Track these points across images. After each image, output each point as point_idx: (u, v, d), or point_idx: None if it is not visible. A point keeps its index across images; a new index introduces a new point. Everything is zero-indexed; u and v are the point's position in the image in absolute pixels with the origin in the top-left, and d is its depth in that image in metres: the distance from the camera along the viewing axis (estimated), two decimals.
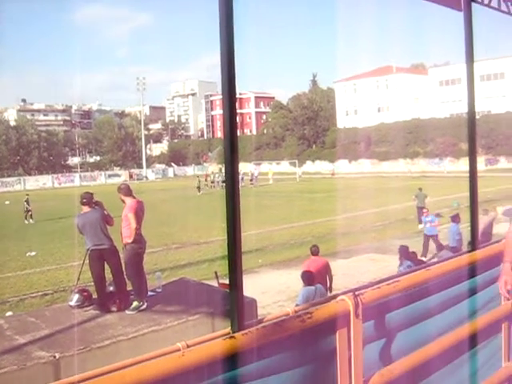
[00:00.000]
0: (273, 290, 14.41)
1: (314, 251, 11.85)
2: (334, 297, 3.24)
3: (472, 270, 4.11)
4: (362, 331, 3.04)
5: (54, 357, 6.33)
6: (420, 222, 26.22)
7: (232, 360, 2.53)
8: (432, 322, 3.65)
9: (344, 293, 3.27)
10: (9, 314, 11.91)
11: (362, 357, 3.04)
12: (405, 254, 12.08)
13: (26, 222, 33.17)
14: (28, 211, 33.80)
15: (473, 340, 3.98)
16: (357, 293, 3.06)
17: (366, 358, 3.11)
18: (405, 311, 3.46)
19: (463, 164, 54.27)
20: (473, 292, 4.12)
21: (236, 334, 2.64)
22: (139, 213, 8.50)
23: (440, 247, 14.21)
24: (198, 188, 49.69)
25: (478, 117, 51.25)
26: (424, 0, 5.65)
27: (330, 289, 11.65)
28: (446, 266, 4.06)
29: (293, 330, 2.81)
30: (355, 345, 3.00)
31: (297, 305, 8.52)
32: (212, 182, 55.09)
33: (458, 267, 4.03)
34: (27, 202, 33.91)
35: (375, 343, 3.35)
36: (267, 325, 2.80)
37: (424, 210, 19.65)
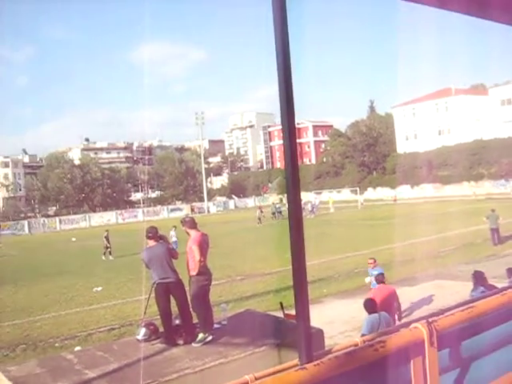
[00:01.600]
0: (338, 321, 14.21)
1: (379, 279, 11.67)
2: (406, 325, 3.15)
3: None
4: (437, 360, 2.94)
5: None
6: (496, 242, 25.60)
7: None
8: (509, 350, 3.50)
9: (415, 321, 3.18)
10: (77, 348, 12.11)
11: None
12: (479, 279, 11.68)
13: (104, 258, 32.74)
14: (107, 248, 33.23)
15: None
16: (430, 320, 2.97)
17: None
18: (480, 338, 3.33)
19: None
20: None
21: (307, 365, 2.59)
22: (204, 245, 8.54)
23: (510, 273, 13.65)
24: (259, 219, 49.72)
25: None
26: (485, 19, 5.57)
27: (400, 317, 11.41)
28: None
29: (365, 360, 2.74)
30: (431, 374, 2.90)
31: (362, 334, 8.35)
32: (273, 214, 54.71)
33: None
34: (107, 238, 33.36)
35: (451, 372, 3.23)
36: (339, 355, 2.74)
37: (370, 261, 15.40)
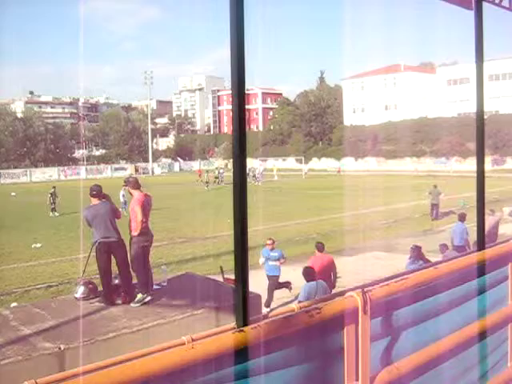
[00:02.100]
0: None
1: (319, 248, 11.88)
2: (342, 293, 3.24)
3: (479, 270, 4.11)
4: (369, 328, 3.05)
5: (59, 348, 6.35)
6: (434, 217, 26.38)
7: (241, 354, 2.54)
8: (439, 321, 3.65)
9: (350, 290, 3.27)
10: (13, 304, 11.95)
11: (369, 353, 3.04)
12: (417, 253, 12.03)
13: (51, 214, 32.11)
14: (52, 204, 32.59)
15: (479, 339, 3.98)
16: (365, 289, 3.06)
17: (373, 355, 3.12)
18: (412, 309, 3.46)
19: (470, 164, 54.19)
20: (480, 292, 4.12)
21: (245, 328, 2.65)
22: (146, 206, 8.51)
23: (444, 248, 14.10)
24: (207, 183, 49.79)
25: (485, 117, 51.00)
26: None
27: (334, 285, 11.65)
28: (453, 264, 4.06)
29: (301, 325, 2.82)
30: (363, 341, 3.01)
31: (299, 301, 8.52)
32: (216, 178, 54.90)
33: (466, 266, 4.03)
34: (53, 194, 32.80)
35: (382, 340, 3.35)
36: (276, 319, 2.81)
37: (268, 242, 13.82)
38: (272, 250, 13.59)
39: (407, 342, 3.45)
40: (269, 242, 13.81)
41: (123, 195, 25.26)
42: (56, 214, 32.05)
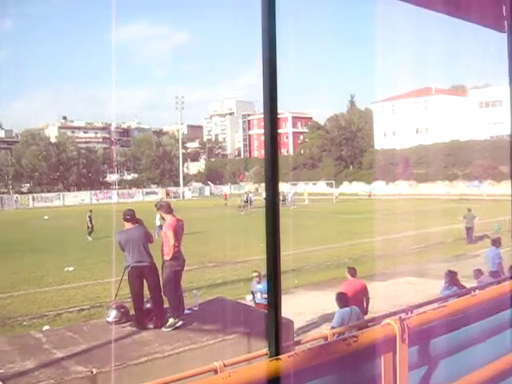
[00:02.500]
0: (308, 312, 14.30)
1: (352, 273, 11.75)
2: (376, 320, 3.18)
3: None
4: (407, 356, 2.99)
5: (91, 372, 6.37)
6: (469, 241, 26.05)
7: (278, 382, 2.50)
8: (477, 350, 3.56)
9: (383, 316, 3.22)
10: (46, 327, 12.04)
11: (407, 382, 2.98)
12: (452, 279, 11.81)
13: (89, 238, 31.45)
14: (89, 228, 32.05)
15: None
16: (403, 317, 3.01)
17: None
18: (450, 337, 3.38)
19: (503, 187, 53.42)
20: None
21: (282, 356, 2.61)
22: (178, 230, 8.54)
23: (478, 273, 13.80)
24: (240, 207, 50.54)
25: None
26: (467, 21, 5.63)
27: (366, 311, 11.50)
28: (492, 291, 3.97)
29: (338, 353, 2.77)
30: (401, 370, 2.95)
31: (332, 327, 8.43)
32: (245, 202, 54.93)
33: (505, 293, 3.93)
34: (90, 218, 32.27)
35: (419, 370, 3.28)
36: (312, 347, 2.77)
37: (254, 274, 12.38)
38: (259, 283, 12.05)
39: (444, 372, 3.37)
40: (255, 274, 12.43)
41: (159, 219, 25.18)
42: (89, 238, 31.52)
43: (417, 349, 3.21)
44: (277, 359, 2.58)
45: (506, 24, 5.17)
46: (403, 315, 3.06)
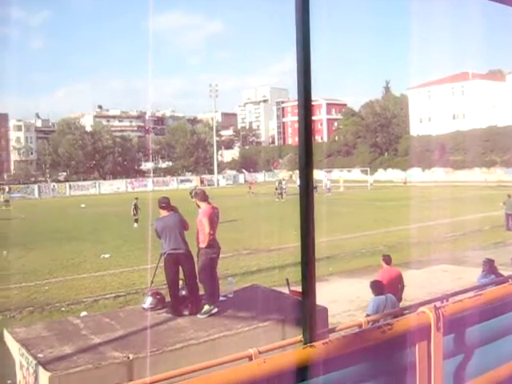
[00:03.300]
0: (343, 299, 14.26)
1: (387, 260, 11.66)
2: (411, 308, 3.16)
3: None
4: (442, 345, 2.96)
5: (128, 358, 6.46)
6: (509, 228, 25.66)
7: (312, 369, 2.51)
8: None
9: (419, 304, 3.19)
10: (83, 313, 12.24)
11: (442, 371, 2.96)
12: (490, 267, 11.67)
13: (135, 225, 30.85)
14: (135, 215, 31.66)
15: None
16: (438, 305, 2.98)
17: (446, 373, 3.03)
18: (486, 326, 3.34)
19: None
20: None
21: (316, 343, 2.62)
22: (214, 218, 8.60)
23: None
24: (281, 194, 50.14)
25: None
26: (503, 4, 5.50)
27: (400, 299, 11.43)
28: None
29: (372, 341, 2.76)
30: (436, 358, 2.93)
31: (367, 315, 8.40)
32: (276, 189, 54.60)
33: None
34: (136, 206, 31.89)
35: (455, 358, 3.25)
36: (347, 335, 2.77)
37: None
38: None
39: (480, 361, 3.33)
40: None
41: None
42: (135, 225, 31.05)
43: (452, 337, 3.18)
44: (311, 346, 2.59)
45: None
46: (438, 303, 3.03)
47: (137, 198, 32.74)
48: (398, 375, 2.97)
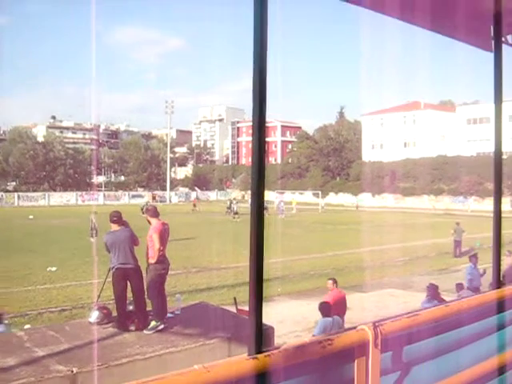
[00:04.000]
0: (290, 320, 14.35)
1: (333, 283, 11.82)
2: (354, 327, 3.27)
3: (493, 309, 4.12)
4: (379, 361, 3.07)
5: (72, 371, 6.40)
6: (458, 255, 26.26)
7: (253, 380, 2.58)
8: (449, 358, 3.66)
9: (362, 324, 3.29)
10: (27, 326, 12.01)
11: None
12: (432, 292, 11.95)
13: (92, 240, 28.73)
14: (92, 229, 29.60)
15: (488, 380, 3.97)
16: (377, 323, 3.10)
17: None
18: (422, 345, 3.47)
19: (488, 204, 53.78)
20: (490, 331, 4.12)
21: (259, 355, 2.69)
22: (164, 234, 8.61)
23: (459, 288, 14.04)
24: (235, 214, 49.71)
25: (505, 156, 50.82)
26: (455, 40, 5.76)
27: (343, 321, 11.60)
28: (465, 303, 4.08)
29: (313, 355, 2.85)
30: (373, 374, 3.03)
31: (313, 335, 8.52)
32: (228, 208, 55.28)
33: (477, 305, 4.04)
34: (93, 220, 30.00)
35: (392, 375, 3.36)
36: (289, 348, 2.85)
37: None
38: None
39: (417, 378, 3.46)
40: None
41: None
42: (92, 240, 28.85)
43: (390, 355, 3.30)
44: (254, 358, 2.66)
45: (492, 44, 5.29)
46: (377, 322, 3.15)
47: (96, 212, 32.02)
48: None
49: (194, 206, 62.87)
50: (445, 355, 3.66)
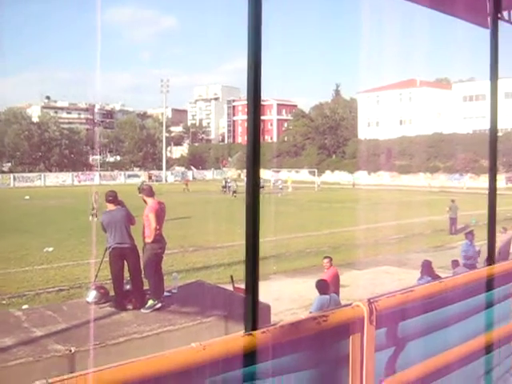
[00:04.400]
0: (286, 298, 14.42)
1: (329, 261, 11.87)
2: (350, 304, 3.29)
3: (485, 285, 4.15)
4: (374, 337, 3.10)
5: (70, 351, 6.44)
6: (453, 232, 26.37)
7: (249, 357, 2.60)
8: (443, 334, 3.69)
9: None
10: (25, 306, 12.06)
11: (373, 362, 3.10)
12: (427, 268, 12.01)
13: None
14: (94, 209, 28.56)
15: (483, 354, 4.01)
16: (371, 300, 3.12)
17: (378, 364, 3.17)
18: (417, 321, 3.51)
19: (483, 181, 53.90)
20: (484, 307, 4.15)
21: (254, 332, 2.72)
22: (160, 213, 8.61)
23: (455, 264, 14.12)
24: (234, 192, 49.53)
25: (500, 134, 50.97)
26: (452, 17, 5.73)
27: None
28: (459, 279, 4.11)
29: (309, 332, 2.88)
30: (368, 350, 3.07)
31: (310, 313, 8.56)
32: (223, 187, 55.49)
33: (471, 281, 4.08)
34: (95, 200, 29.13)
35: (387, 350, 3.40)
36: (284, 325, 2.87)
37: None
38: None
39: (412, 353, 3.50)
40: None
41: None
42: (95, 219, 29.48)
43: (385, 331, 3.33)
44: (250, 334, 2.68)
45: (488, 20, 5.27)
46: (372, 299, 3.17)
47: (97, 192, 31.75)
48: (333, 365, 3.10)
49: (186, 185, 61.53)
50: (439, 331, 3.69)
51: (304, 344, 2.88)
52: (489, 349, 4.06)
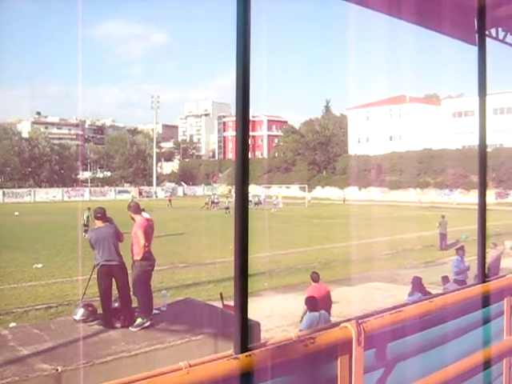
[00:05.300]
0: (277, 315, 14.35)
1: (314, 278, 11.75)
2: (338, 324, 3.24)
3: (477, 303, 4.12)
4: (363, 359, 3.06)
5: (57, 370, 6.34)
6: (443, 247, 26.39)
7: (235, 381, 2.55)
8: (433, 354, 3.65)
9: (345, 321, 3.28)
10: (12, 324, 11.91)
11: None
12: (417, 285, 12.00)
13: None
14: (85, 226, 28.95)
15: (473, 374, 3.97)
16: (360, 321, 3.08)
17: None
18: (406, 341, 3.46)
19: (473, 196, 54.12)
20: (475, 326, 4.12)
21: (240, 356, 2.67)
22: (148, 230, 8.55)
23: (445, 280, 14.11)
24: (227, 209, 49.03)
25: (489, 150, 51.36)
26: (440, 34, 5.75)
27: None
28: (449, 298, 4.07)
29: (295, 354, 2.83)
30: (356, 372, 3.02)
31: (300, 330, 8.49)
32: (212, 203, 55.89)
33: (461, 300, 4.04)
34: (88, 217, 29.16)
35: (376, 372, 3.35)
36: (270, 348, 2.82)
37: None
38: None
39: (401, 374, 3.45)
40: None
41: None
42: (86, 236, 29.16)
43: (374, 352, 3.28)
44: (234, 358, 2.63)
45: (476, 37, 5.29)
46: (361, 320, 3.13)
47: (89, 208, 31.65)
48: None
49: (170, 201, 61.75)
50: (429, 351, 3.65)
51: (291, 366, 2.83)
52: (478, 370, 4.02)
